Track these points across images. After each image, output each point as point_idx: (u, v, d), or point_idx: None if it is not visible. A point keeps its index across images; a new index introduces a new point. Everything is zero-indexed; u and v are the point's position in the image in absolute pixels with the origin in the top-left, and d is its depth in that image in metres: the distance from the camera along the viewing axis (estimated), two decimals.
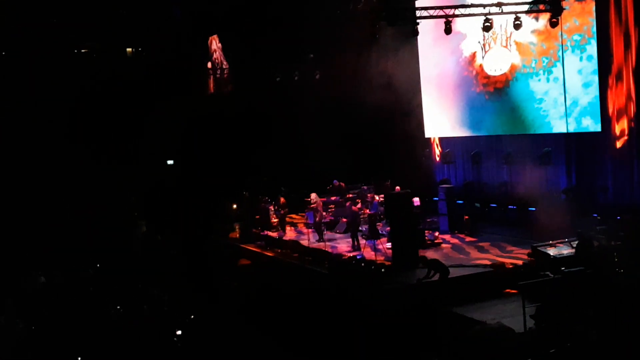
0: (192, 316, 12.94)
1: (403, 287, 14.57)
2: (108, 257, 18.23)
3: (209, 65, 27.75)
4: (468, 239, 18.83)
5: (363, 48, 21.76)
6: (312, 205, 20.22)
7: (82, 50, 27.18)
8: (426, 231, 18.52)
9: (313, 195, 20.39)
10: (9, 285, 15.00)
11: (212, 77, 27.80)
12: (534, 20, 18.46)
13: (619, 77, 16.92)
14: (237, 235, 22.48)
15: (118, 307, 12.86)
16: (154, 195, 25.69)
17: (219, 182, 25.62)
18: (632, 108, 16.68)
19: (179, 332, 12.20)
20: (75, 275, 14.82)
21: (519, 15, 16.25)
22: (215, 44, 27.41)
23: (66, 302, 13.43)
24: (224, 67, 27.39)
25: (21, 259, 17.74)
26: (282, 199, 21.56)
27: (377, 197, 20.69)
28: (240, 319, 13.96)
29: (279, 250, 19.50)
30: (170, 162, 27.95)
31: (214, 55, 27.46)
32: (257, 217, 22.41)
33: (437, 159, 23.16)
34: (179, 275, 17.82)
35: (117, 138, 26.19)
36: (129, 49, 28.24)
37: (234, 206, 24.28)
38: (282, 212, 21.71)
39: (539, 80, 18.67)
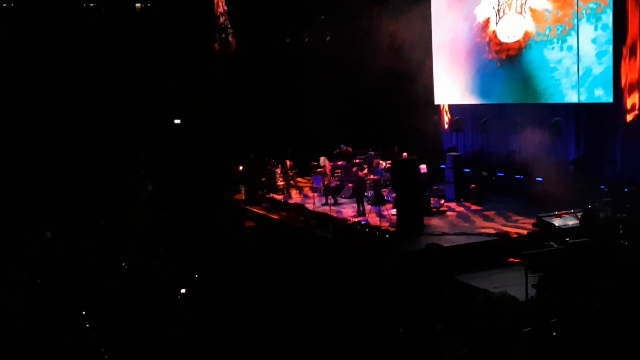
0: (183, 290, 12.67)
1: (407, 254, 14.65)
2: (111, 219, 18.14)
3: (215, 25, 27.49)
4: (474, 207, 18.87)
5: (374, 11, 21.55)
6: (321, 170, 20.22)
7: (91, 5, 26.96)
8: (432, 198, 18.56)
9: (322, 159, 20.37)
10: (15, 239, 15.03)
11: (217, 37, 27.58)
12: None
13: (632, 51, 16.72)
14: (243, 197, 22.59)
15: (124, 264, 12.84)
16: (161, 155, 25.70)
17: (226, 144, 25.64)
18: None
19: (182, 291, 12.21)
20: (75, 245, 14.59)
21: None
22: (220, 4, 27.11)
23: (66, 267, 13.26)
24: (228, 30, 27.15)
25: (25, 217, 17.71)
26: (288, 162, 21.58)
27: (383, 163, 20.70)
28: (237, 304, 13.90)
29: (284, 214, 19.61)
30: (177, 121, 27.89)
31: (221, 19, 27.20)
32: (263, 179, 22.49)
33: (446, 126, 23.08)
34: (183, 239, 17.83)
35: (124, 95, 26.11)
36: (137, 4, 27.98)
37: (240, 168, 24.34)
38: (290, 173, 21.71)
39: (553, 48, 18.46)
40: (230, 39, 27.09)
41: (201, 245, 17.66)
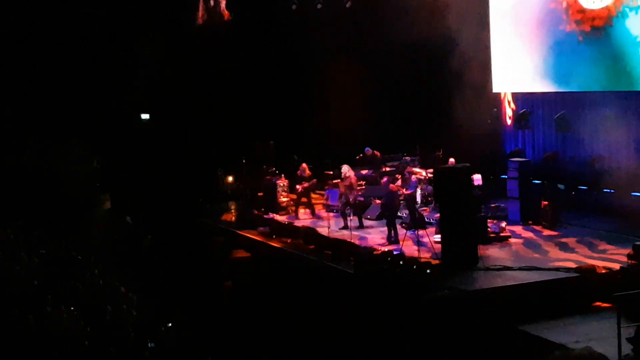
0: (169, 324, 13.13)
1: (456, 295, 14.57)
2: (60, 241, 18.44)
3: None
4: (546, 232, 18.75)
5: None
6: (344, 183, 20.03)
7: None
8: (489, 220, 18.48)
9: (345, 168, 20.23)
10: None
11: (202, 2, 27.74)
12: None
13: None
14: (233, 217, 22.64)
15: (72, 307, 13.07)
16: (123, 161, 25.86)
17: (209, 144, 25.76)
18: None
19: (151, 345, 12.41)
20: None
21: None
22: None
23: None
24: None
25: None
26: (306, 168, 21.47)
27: (418, 172, 20.71)
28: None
29: (289, 240, 19.59)
30: (145, 116, 28.07)
31: None
32: (260, 194, 22.53)
33: (509, 122, 23.03)
34: (154, 271, 18.00)
35: (74, 82, 26.31)
36: None
37: (230, 178, 24.44)
38: (300, 188, 21.61)
39: None
40: (222, 6, 27.23)
41: (174, 283, 17.78)
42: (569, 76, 20.62)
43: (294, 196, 22.03)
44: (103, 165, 26.02)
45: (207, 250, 20.99)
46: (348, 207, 20.11)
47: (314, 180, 21.81)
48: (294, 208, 21.80)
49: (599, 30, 19.68)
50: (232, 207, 23.07)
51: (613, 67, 19.43)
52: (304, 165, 21.56)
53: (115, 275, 15.87)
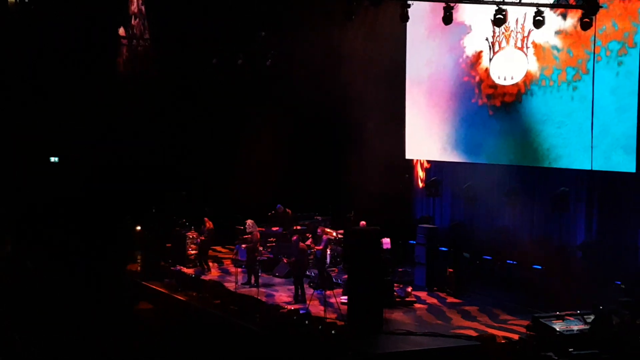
0: None
1: (360, 358, 14.63)
2: None
3: (121, 32, 27.56)
4: (450, 299, 19.09)
5: (332, 31, 22.08)
6: (247, 237, 20.26)
7: None
8: (395, 284, 18.70)
9: (249, 223, 20.49)
10: None
11: (125, 49, 27.61)
12: (560, 17, 18.99)
13: None
14: (139, 268, 22.30)
15: None
16: (27, 204, 25.25)
17: (118, 191, 25.40)
18: None
19: None
20: None
21: (541, 9, 16.70)
22: (136, 3, 27.25)
23: None
24: (144, 37, 27.26)
25: None
26: (208, 222, 21.51)
27: (329, 232, 20.86)
28: None
29: (195, 294, 19.42)
30: (54, 159, 27.55)
31: (132, 20, 27.29)
32: (169, 245, 22.31)
33: (420, 187, 23.44)
34: (54, 319, 17.51)
35: None
36: None
37: (138, 228, 24.08)
38: (200, 238, 21.63)
39: (561, 97, 19.16)
40: (142, 49, 27.11)
41: (76, 333, 17.33)
42: (479, 148, 21.20)
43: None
44: (6, 207, 25.38)
45: (111, 301, 20.53)
46: (257, 263, 20.13)
47: (204, 230, 21.62)
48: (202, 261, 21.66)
49: (509, 106, 20.38)
50: (139, 257, 22.70)
51: (520, 142, 20.08)
52: (205, 218, 21.48)
53: (11, 324, 15.37)
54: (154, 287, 20.53)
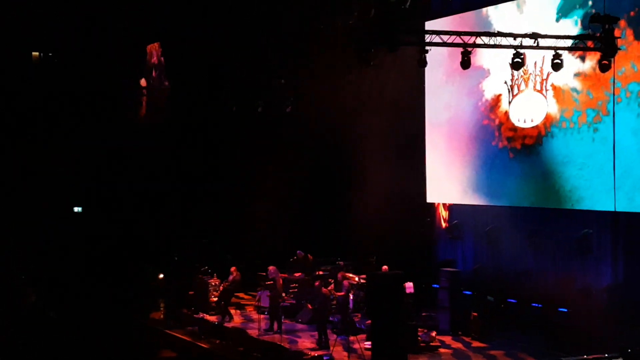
0: None
1: None
2: None
3: (143, 82, 27.97)
4: (475, 344, 18.90)
5: (352, 77, 22.27)
6: (269, 283, 20.20)
7: None
8: (420, 329, 18.56)
9: (271, 269, 20.42)
10: None
11: (145, 99, 28.00)
12: (578, 60, 19.06)
13: None
14: (161, 316, 22.28)
15: None
16: (50, 254, 25.40)
17: (141, 240, 25.54)
18: None
19: None
20: None
21: (559, 52, 16.76)
22: (155, 55, 27.68)
23: None
24: (163, 87, 27.63)
25: None
26: (235, 272, 21.41)
27: (351, 277, 20.81)
28: None
29: (218, 342, 19.34)
30: (77, 209, 27.79)
31: (153, 71, 27.71)
32: (191, 292, 22.29)
33: (443, 227, 23.36)
34: None
35: (7, 170, 26.03)
36: (35, 53, 28.36)
37: (160, 276, 24.17)
38: (223, 285, 21.54)
39: (582, 139, 19.14)
40: (164, 100, 27.45)
41: None
42: (500, 191, 21.16)
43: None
44: (30, 256, 25.54)
45: (133, 349, 20.50)
46: (279, 309, 20.06)
47: (230, 280, 21.53)
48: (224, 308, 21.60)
49: (529, 149, 20.37)
50: (162, 304, 22.70)
51: (542, 184, 20.03)
52: (233, 268, 21.40)
53: None
54: (177, 334, 20.46)
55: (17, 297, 23.43)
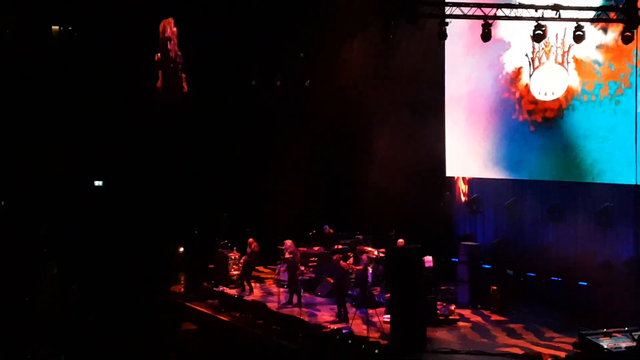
0: None
1: None
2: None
3: (158, 56, 27.96)
4: (495, 317, 18.91)
5: (371, 51, 22.15)
6: (287, 256, 20.26)
7: None
8: (439, 303, 18.60)
9: (288, 243, 20.49)
10: None
11: (160, 73, 28.01)
12: (600, 32, 18.86)
13: None
14: (182, 289, 22.42)
15: None
16: (71, 226, 25.58)
17: (162, 214, 25.64)
18: None
19: None
20: None
21: (581, 24, 16.59)
22: (169, 29, 27.64)
23: None
24: (177, 60, 27.60)
25: None
26: (254, 243, 21.50)
27: (370, 251, 20.84)
28: None
29: (238, 314, 19.45)
30: (98, 182, 27.92)
31: (168, 45, 27.68)
32: (211, 266, 22.41)
33: (462, 202, 23.31)
34: (97, 340, 17.70)
35: (27, 144, 26.17)
36: (55, 27, 28.41)
37: (181, 249, 24.28)
38: (243, 259, 21.63)
39: (603, 111, 19.00)
40: (180, 75, 27.46)
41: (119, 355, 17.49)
42: (520, 164, 21.06)
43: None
44: (51, 231, 25.75)
45: (155, 322, 20.69)
46: (298, 282, 20.14)
47: (248, 252, 21.58)
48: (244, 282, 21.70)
49: (550, 122, 20.25)
50: (182, 278, 22.84)
51: (562, 157, 19.93)
52: (250, 239, 21.48)
53: (58, 345, 15.56)
54: (197, 307, 20.62)
55: (39, 270, 23.67)
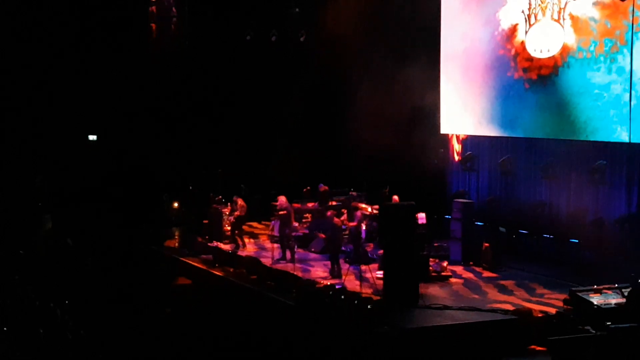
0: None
1: (396, 332, 14.66)
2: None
3: (153, 9, 27.70)
4: (487, 274, 19.01)
5: (364, 6, 21.99)
6: (281, 212, 20.30)
7: None
8: (431, 259, 18.65)
9: (281, 199, 20.50)
10: None
11: (155, 26, 27.77)
12: None
13: None
14: (176, 244, 22.49)
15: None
16: (66, 181, 25.58)
17: (156, 169, 25.65)
18: None
19: None
20: None
21: None
22: None
23: None
24: (172, 14, 27.36)
25: None
26: (239, 200, 21.58)
27: (364, 207, 20.87)
28: None
29: (232, 270, 19.55)
30: (92, 137, 27.86)
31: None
32: (206, 222, 22.47)
33: (456, 160, 23.31)
34: (92, 293, 17.78)
35: (19, 99, 26.05)
36: None
37: (175, 204, 24.33)
38: (235, 214, 21.66)
39: (598, 69, 18.90)
40: (173, 27, 27.24)
41: (113, 307, 17.56)
42: (515, 122, 21.03)
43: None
44: (46, 184, 25.74)
45: (149, 276, 20.78)
46: (291, 239, 20.19)
47: (239, 211, 21.62)
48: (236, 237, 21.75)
49: (545, 79, 20.15)
50: (176, 233, 22.91)
51: (557, 115, 19.88)
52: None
53: (52, 297, 15.63)
54: (192, 262, 20.71)
55: (34, 224, 23.72)
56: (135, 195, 25.10)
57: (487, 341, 14.55)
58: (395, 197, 19.54)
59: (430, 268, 18.29)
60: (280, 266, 19.08)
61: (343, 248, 19.32)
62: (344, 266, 18.45)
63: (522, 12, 20.54)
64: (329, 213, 19.73)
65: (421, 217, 19.09)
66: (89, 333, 13.91)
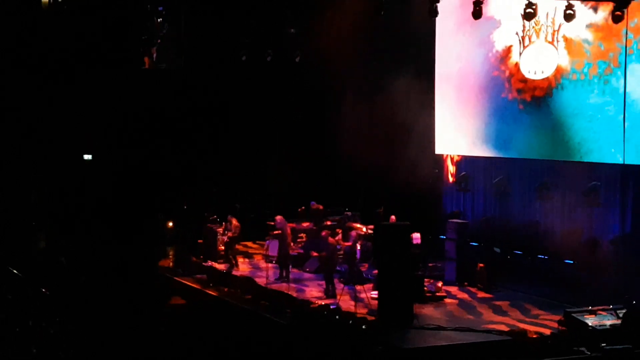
0: None
1: (390, 353, 14.62)
2: None
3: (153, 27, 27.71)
4: (481, 294, 19.00)
5: (361, 27, 22.05)
6: (276, 232, 20.27)
7: None
8: (426, 279, 18.66)
9: (278, 218, 20.49)
10: None
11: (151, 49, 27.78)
12: (591, 11, 18.78)
13: None
14: (171, 264, 22.43)
15: None
16: (61, 200, 25.50)
17: (151, 189, 25.58)
18: None
19: None
20: None
21: (571, 2, 16.54)
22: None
23: None
24: (168, 34, 27.37)
25: None
26: (233, 220, 21.54)
27: (359, 227, 20.88)
28: None
29: (226, 289, 19.48)
30: (87, 156, 27.80)
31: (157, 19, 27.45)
32: (200, 241, 22.41)
33: (450, 182, 23.32)
34: (85, 313, 17.69)
35: (17, 119, 26.01)
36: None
37: (170, 224, 24.24)
38: (228, 235, 21.61)
39: (592, 91, 18.99)
40: (167, 47, 27.24)
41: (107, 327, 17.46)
42: (509, 142, 21.08)
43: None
44: (41, 202, 25.66)
45: (143, 296, 20.68)
46: (287, 258, 20.16)
47: (232, 232, 21.61)
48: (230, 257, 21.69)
49: (539, 100, 20.23)
50: (170, 252, 22.83)
51: (551, 136, 19.94)
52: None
53: (44, 316, 15.55)
54: (186, 282, 20.63)
55: (27, 243, 23.62)
56: (129, 215, 25.00)
57: None
58: (393, 217, 19.55)
59: (425, 288, 18.30)
60: (275, 286, 19.04)
61: (338, 268, 19.30)
62: (339, 286, 18.45)
63: (517, 34, 20.65)
64: (323, 233, 19.73)
65: (416, 237, 19.07)
66: (82, 352, 13.84)
